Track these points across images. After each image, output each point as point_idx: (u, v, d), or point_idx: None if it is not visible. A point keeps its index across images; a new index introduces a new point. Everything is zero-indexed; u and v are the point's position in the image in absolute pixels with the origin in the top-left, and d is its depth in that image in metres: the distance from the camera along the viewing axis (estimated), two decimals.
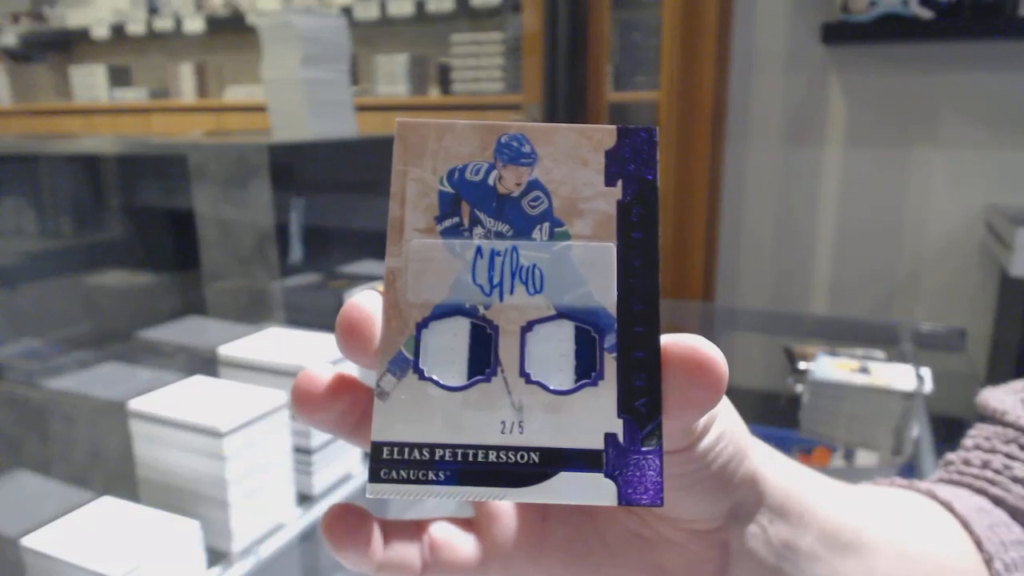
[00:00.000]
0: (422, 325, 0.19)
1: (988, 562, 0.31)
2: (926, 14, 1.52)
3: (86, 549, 0.53)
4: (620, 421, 0.18)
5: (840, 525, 0.26)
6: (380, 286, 0.20)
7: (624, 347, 0.19)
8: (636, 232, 0.19)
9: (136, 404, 0.66)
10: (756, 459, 0.23)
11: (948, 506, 0.33)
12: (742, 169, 1.79)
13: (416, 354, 0.19)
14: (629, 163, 0.20)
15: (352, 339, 0.19)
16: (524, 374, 0.19)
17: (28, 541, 0.54)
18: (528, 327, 0.19)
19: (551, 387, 0.19)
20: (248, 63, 2.95)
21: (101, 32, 3.24)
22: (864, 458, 0.85)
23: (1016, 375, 0.43)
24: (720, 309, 1.77)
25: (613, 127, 0.20)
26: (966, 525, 0.32)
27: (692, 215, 1.70)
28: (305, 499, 0.73)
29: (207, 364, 0.78)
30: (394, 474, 0.18)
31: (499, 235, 0.19)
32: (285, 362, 0.72)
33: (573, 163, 0.20)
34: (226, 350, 0.76)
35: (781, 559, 0.24)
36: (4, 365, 1.01)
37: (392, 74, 2.68)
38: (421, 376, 0.19)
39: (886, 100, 1.65)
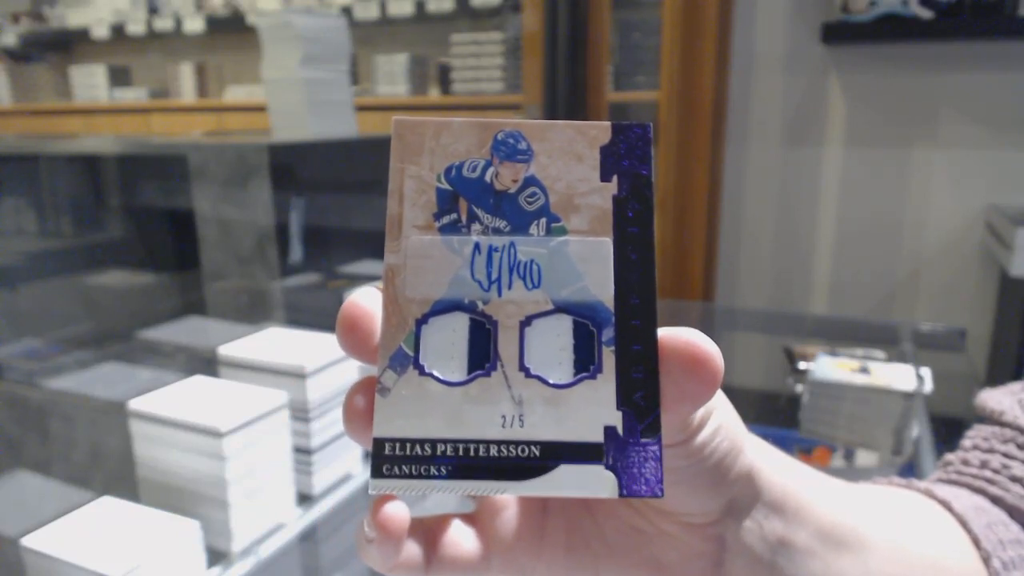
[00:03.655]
0: (421, 321, 0.19)
1: (986, 560, 0.31)
2: (926, 14, 1.52)
3: (86, 549, 0.53)
4: (619, 414, 0.18)
5: (836, 522, 0.26)
6: (380, 283, 0.20)
7: (622, 340, 0.19)
8: (632, 227, 0.20)
9: (136, 404, 0.66)
10: (753, 455, 0.23)
11: (946, 505, 0.33)
12: (742, 169, 1.79)
13: (416, 350, 0.19)
14: (624, 159, 0.20)
15: (352, 336, 0.19)
16: (523, 368, 0.19)
17: (28, 541, 0.54)
18: (527, 322, 0.19)
19: (550, 381, 0.19)
20: (248, 63, 2.95)
21: (101, 32, 3.25)
22: (864, 458, 0.85)
23: (1016, 375, 0.43)
24: (720, 309, 1.77)
25: (607, 123, 0.20)
26: (964, 524, 0.32)
27: (692, 215, 1.70)
28: (305, 499, 0.74)
29: (207, 364, 0.78)
30: (396, 470, 0.18)
31: (497, 231, 0.20)
32: (285, 362, 0.72)
33: (569, 159, 0.20)
34: (226, 350, 0.76)
35: (776, 555, 0.25)
36: (5, 365, 1.01)
37: (392, 74, 2.68)
38: (421, 372, 0.19)
39: (886, 100, 1.65)
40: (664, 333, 0.19)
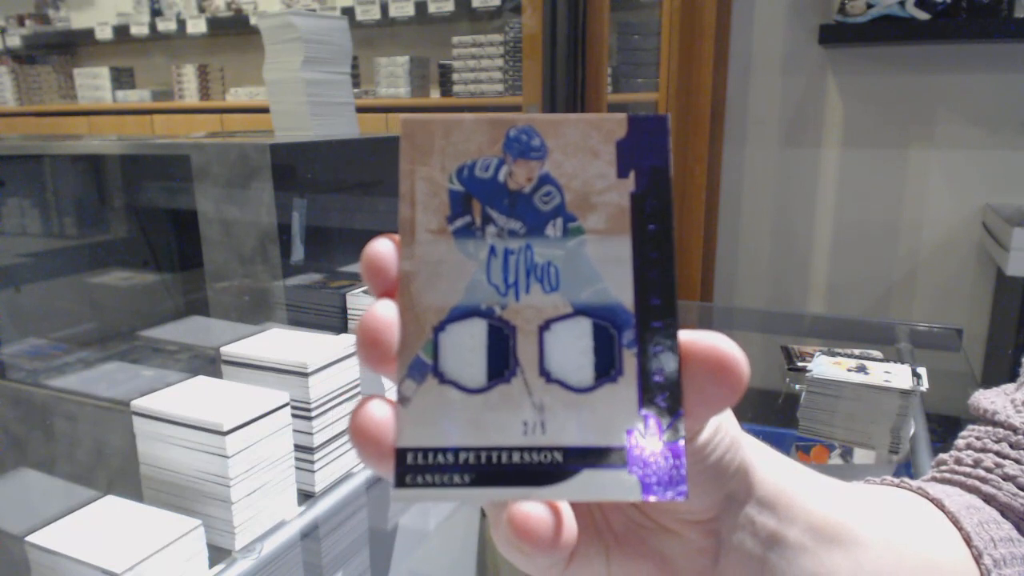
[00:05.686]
0: (439, 328, 0.19)
1: (977, 558, 0.31)
2: (922, 15, 1.53)
3: (90, 546, 0.54)
4: (641, 416, 0.18)
5: (828, 518, 0.26)
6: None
7: (643, 342, 0.19)
8: (651, 224, 0.19)
9: (140, 403, 0.66)
10: (748, 451, 0.24)
11: (938, 503, 0.33)
12: (740, 170, 1.80)
13: (435, 358, 0.18)
14: (641, 153, 0.19)
15: (373, 350, 0.18)
16: (544, 373, 0.18)
17: (34, 538, 0.55)
18: (546, 326, 0.19)
19: (571, 385, 0.18)
20: (251, 65, 2.96)
21: (105, 34, 3.25)
22: (862, 456, 0.85)
23: (1012, 373, 0.44)
24: (718, 309, 1.77)
25: (624, 116, 0.19)
26: (955, 522, 0.32)
27: (690, 216, 1.71)
28: (307, 496, 0.74)
29: (210, 363, 0.78)
30: (419, 479, 0.18)
31: (512, 233, 0.19)
32: (287, 361, 0.73)
33: (584, 155, 0.19)
34: (228, 349, 0.76)
35: (768, 550, 0.25)
36: (9, 364, 1.02)
37: (393, 75, 2.69)
38: (441, 380, 0.18)
39: (883, 101, 1.66)
40: (688, 337, 0.19)
